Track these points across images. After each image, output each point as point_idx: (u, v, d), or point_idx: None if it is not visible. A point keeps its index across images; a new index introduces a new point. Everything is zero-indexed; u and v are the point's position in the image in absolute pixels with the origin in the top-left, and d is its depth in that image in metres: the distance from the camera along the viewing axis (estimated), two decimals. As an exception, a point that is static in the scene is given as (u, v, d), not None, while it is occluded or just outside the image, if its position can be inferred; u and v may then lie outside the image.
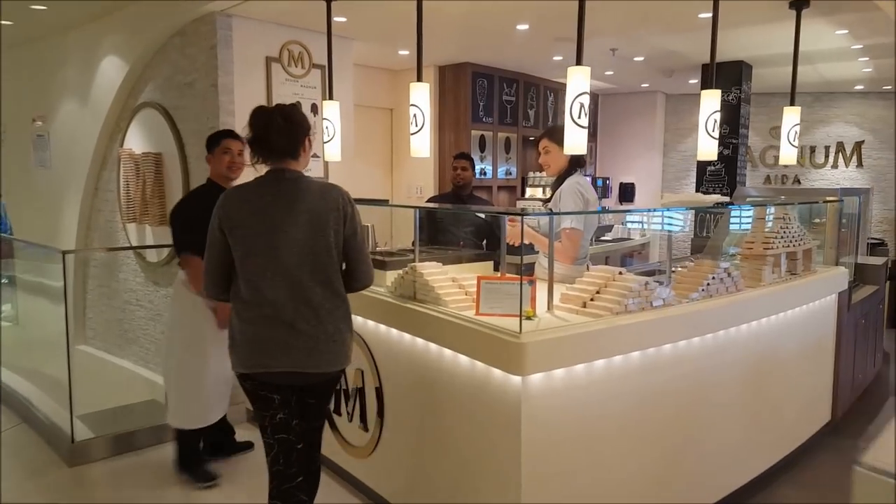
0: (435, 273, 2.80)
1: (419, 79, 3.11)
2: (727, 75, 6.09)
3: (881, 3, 4.04)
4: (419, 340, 2.71)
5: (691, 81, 7.46)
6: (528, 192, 7.67)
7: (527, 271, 3.19)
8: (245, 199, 2.29)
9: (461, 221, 4.51)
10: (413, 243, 3.26)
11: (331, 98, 3.71)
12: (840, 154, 8.15)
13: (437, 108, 6.86)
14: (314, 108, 4.87)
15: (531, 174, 7.69)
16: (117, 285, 5.61)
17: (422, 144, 3.12)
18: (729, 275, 3.00)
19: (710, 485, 3.04)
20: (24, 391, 4.62)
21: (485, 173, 7.07)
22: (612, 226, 6.90)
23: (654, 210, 3.57)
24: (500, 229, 3.18)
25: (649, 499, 2.70)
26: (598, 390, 2.43)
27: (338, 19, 4.40)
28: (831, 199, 4.28)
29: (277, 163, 2.31)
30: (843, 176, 8.12)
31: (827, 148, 8.26)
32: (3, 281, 6.88)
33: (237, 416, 4.00)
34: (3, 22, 5.47)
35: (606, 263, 6.28)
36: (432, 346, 2.64)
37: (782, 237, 3.41)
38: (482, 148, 7.00)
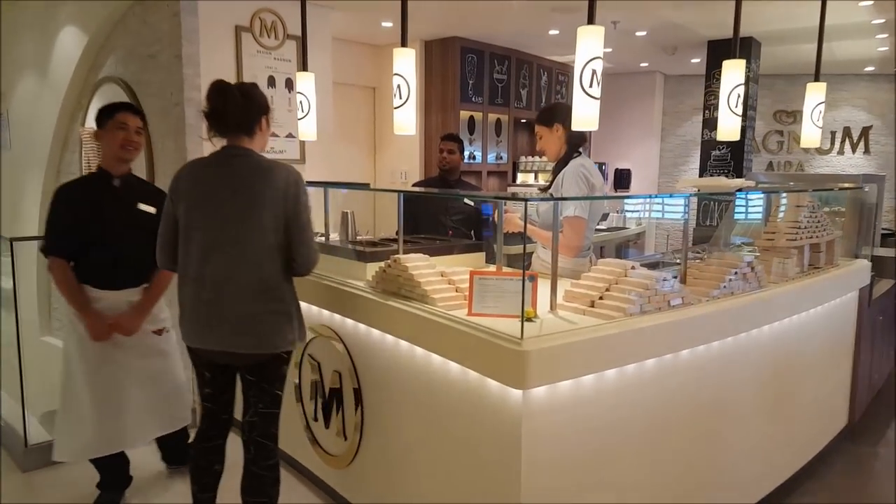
0: (421, 266, 2.45)
1: (403, 44, 2.72)
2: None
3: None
4: (403, 342, 2.37)
5: (693, 60, 7.12)
6: (520, 177, 7.32)
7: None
8: (194, 174, 2.33)
9: (450, 209, 4.16)
10: (397, 232, 2.90)
11: (305, 69, 3.32)
12: (847, 140, 7.83)
13: (423, 87, 6.49)
14: (288, 84, 4.49)
15: (523, 159, 7.33)
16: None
17: (406, 120, 2.74)
18: (752, 269, 2.66)
19: (730, 501, 2.73)
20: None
21: (474, 157, 6.71)
22: (609, 213, 6.57)
23: (675, 196, 3.21)
24: (498, 217, 2.83)
25: (664, 524, 2.38)
26: (608, 403, 2.10)
27: (315, -16, 4.01)
28: (849, 185, 3.97)
29: (233, 139, 2.31)
30: (848, 163, 7.83)
31: (833, 133, 7.94)
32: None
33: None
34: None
35: (601, 255, 5.98)
36: (418, 349, 2.29)
37: (806, 227, 3.08)
38: (471, 130, 6.63)
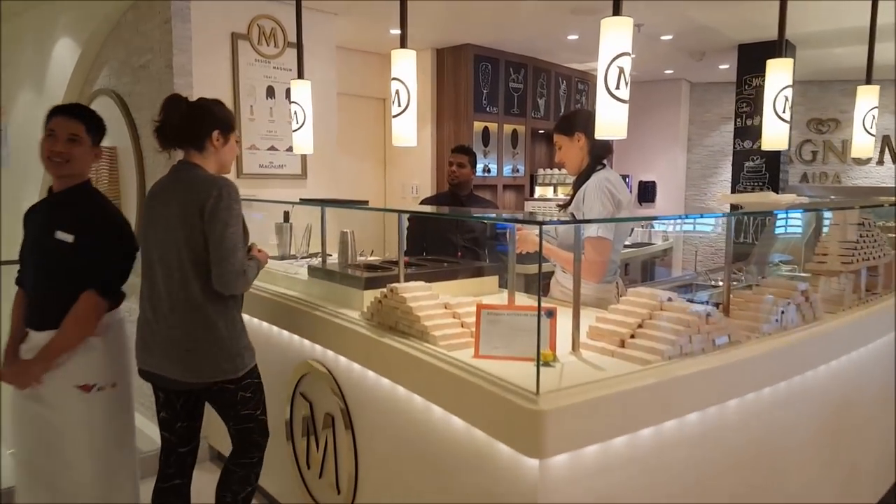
0: (421, 297, 2.12)
1: (403, 45, 2.42)
2: (768, 56, 5.36)
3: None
4: (401, 388, 2.04)
5: (721, 67, 6.75)
6: (538, 191, 6.97)
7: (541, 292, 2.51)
8: (153, 190, 2.30)
9: (461, 226, 3.85)
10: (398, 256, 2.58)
11: (301, 77, 3.03)
12: (887, 149, 7.38)
13: (435, 97, 6.19)
14: (289, 94, 4.20)
15: (541, 171, 6.99)
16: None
17: (406, 130, 2.44)
18: (807, 299, 2.29)
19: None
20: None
21: (489, 170, 6.37)
22: (633, 228, 6.18)
23: (720, 215, 2.84)
24: (510, 240, 2.50)
25: None
26: (643, 467, 1.74)
27: (316, -12, 3.74)
28: (903, 199, 3.58)
29: (186, 154, 2.26)
30: (887, 174, 7.36)
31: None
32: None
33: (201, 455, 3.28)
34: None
35: (626, 272, 5.58)
36: (417, 397, 1.96)
37: (862, 248, 2.71)
38: (486, 142, 6.30)
